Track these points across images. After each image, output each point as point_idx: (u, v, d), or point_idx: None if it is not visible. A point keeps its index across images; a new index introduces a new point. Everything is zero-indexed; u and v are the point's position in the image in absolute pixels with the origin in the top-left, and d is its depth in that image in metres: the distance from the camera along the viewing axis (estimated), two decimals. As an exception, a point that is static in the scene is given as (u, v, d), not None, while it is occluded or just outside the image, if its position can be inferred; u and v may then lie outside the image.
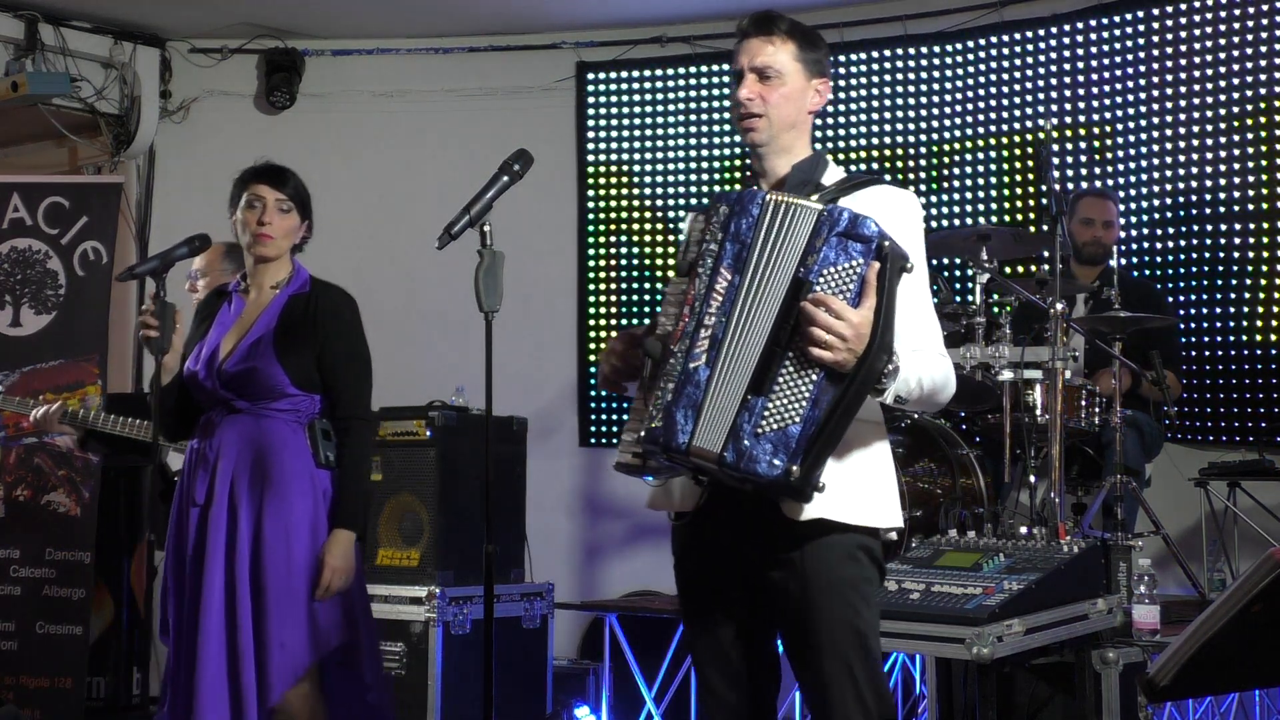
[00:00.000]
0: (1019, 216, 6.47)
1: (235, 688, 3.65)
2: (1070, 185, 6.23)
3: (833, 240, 2.48)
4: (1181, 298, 6.04)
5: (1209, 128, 6.00)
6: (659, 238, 7.21)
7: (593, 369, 7.21)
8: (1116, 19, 6.27)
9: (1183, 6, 6.07)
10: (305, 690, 3.72)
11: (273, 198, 3.83)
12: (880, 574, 2.73)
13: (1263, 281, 5.86)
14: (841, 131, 6.90)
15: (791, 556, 2.64)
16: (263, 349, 3.77)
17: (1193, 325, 6.01)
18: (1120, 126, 6.24)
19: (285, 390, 3.77)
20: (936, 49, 6.70)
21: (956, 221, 6.56)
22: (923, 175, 6.71)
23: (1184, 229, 6.07)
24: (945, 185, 6.66)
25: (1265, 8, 5.86)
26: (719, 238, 2.58)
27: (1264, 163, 5.87)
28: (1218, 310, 5.97)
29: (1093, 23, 6.33)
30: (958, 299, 5.59)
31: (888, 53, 6.82)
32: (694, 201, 7.12)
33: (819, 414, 2.45)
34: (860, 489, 2.64)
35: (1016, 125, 6.50)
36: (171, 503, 3.93)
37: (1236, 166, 5.93)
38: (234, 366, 3.76)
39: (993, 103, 6.57)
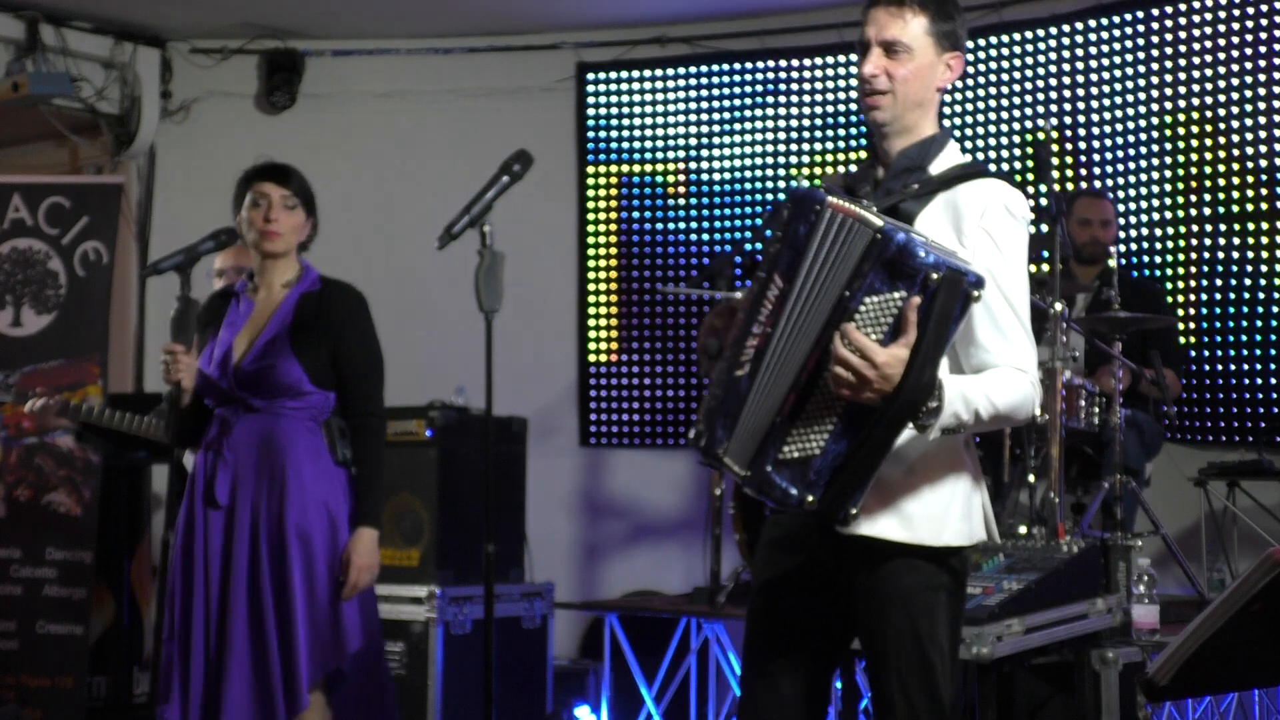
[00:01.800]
0: (1030, 221, 6.46)
1: (264, 691, 3.64)
2: (1069, 185, 6.24)
3: (879, 268, 2.32)
4: (1181, 298, 6.04)
5: (1209, 127, 6.00)
6: (659, 238, 7.20)
7: (593, 369, 7.22)
8: (1116, 19, 6.27)
9: (1182, 6, 6.08)
10: (317, 692, 3.73)
11: (278, 194, 3.83)
12: (955, 583, 2.58)
13: (1262, 281, 5.86)
14: (842, 131, 6.90)
15: (859, 565, 2.56)
16: (279, 347, 3.76)
17: (1193, 325, 6.01)
18: (1120, 126, 6.24)
19: (302, 388, 3.77)
20: (936, 49, 6.69)
21: (956, 221, 6.55)
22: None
23: (1184, 229, 6.07)
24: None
25: (1265, 8, 5.86)
26: (780, 241, 2.43)
27: (1264, 163, 5.87)
28: (1218, 310, 5.97)
29: (1092, 23, 6.34)
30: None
31: (888, 53, 6.81)
32: (694, 201, 7.13)
33: (841, 448, 2.37)
34: (920, 506, 2.53)
35: (1016, 125, 6.51)
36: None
37: (1236, 167, 5.93)
38: (250, 365, 3.75)
39: (993, 103, 6.57)
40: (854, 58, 7.06)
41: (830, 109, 6.88)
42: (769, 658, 2.64)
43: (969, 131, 6.60)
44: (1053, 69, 6.42)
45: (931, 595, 2.55)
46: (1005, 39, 6.54)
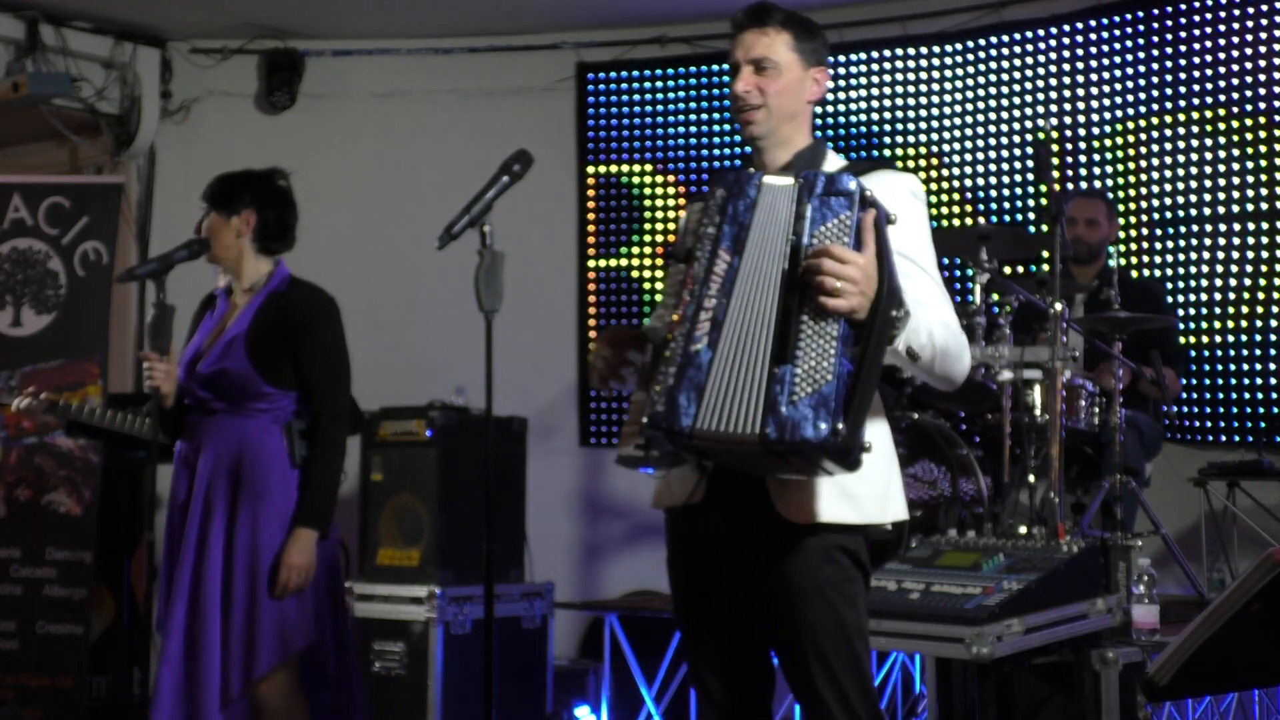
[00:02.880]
0: (1019, 216, 6.48)
1: (193, 684, 3.72)
2: (1070, 185, 6.24)
3: (815, 202, 2.49)
4: (1181, 298, 6.04)
5: (1208, 128, 6.00)
6: (659, 238, 7.21)
7: (593, 369, 7.22)
8: (1116, 19, 6.27)
9: (1182, 6, 6.08)
10: (282, 685, 3.76)
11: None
12: (864, 574, 2.69)
13: (1262, 281, 5.86)
14: (842, 132, 6.90)
15: (773, 558, 2.62)
16: (234, 349, 3.83)
17: (1193, 325, 6.01)
18: (1120, 126, 6.24)
19: (260, 390, 3.83)
20: (936, 49, 6.70)
21: (956, 221, 6.56)
22: (922, 175, 6.70)
23: (1184, 229, 6.07)
24: (945, 185, 6.66)
25: (1265, 8, 5.86)
26: (716, 221, 2.54)
27: (1264, 163, 5.87)
28: (1217, 310, 5.97)
29: (1092, 23, 6.34)
30: (958, 299, 5.59)
31: (888, 53, 6.82)
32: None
33: (849, 367, 2.42)
34: (863, 485, 2.60)
35: (1016, 125, 6.51)
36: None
37: (1236, 166, 5.93)
38: (207, 368, 3.84)
39: (993, 103, 6.57)
40: (853, 58, 7.02)
41: (830, 109, 6.87)
42: (702, 651, 2.77)
43: (969, 131, 6.61)
44: (1053, 69, 6.42)
45: (851, 586, 2.64)
46: (1005, 39, 6.54)
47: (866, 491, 2.62)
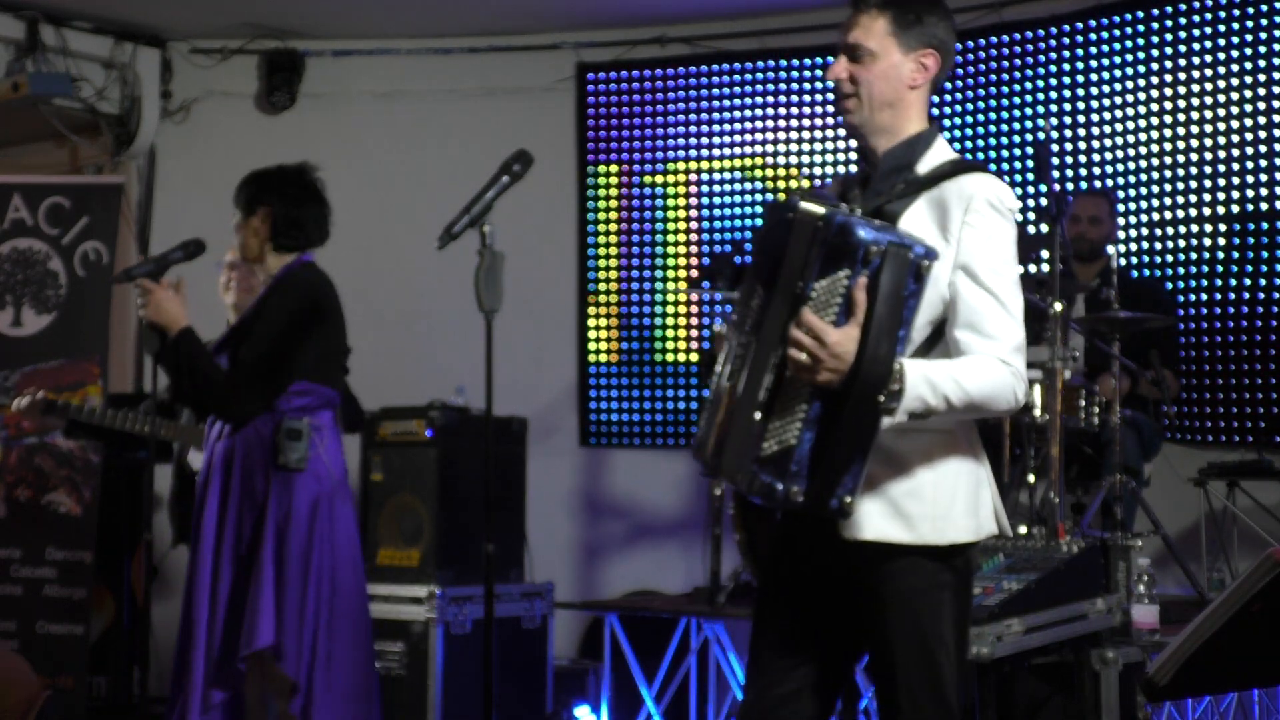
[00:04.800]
0: (1019, 216, 6.46)
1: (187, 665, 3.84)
2: (1070, 185, 6.24)
3: (822, 252, 2.39)
4: (1181, 298, 6.03)
5: (1208, 128, 6.00)
6: (659, 238, 7.21)
7: (593, 369, 7.22)
8: (1116, 19, 6.27)
9: (1182, 6, 6.07)
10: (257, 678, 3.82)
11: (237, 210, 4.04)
12: (958, 581, 2.58)
13: (1263, 281, 5.86)
14: (842, 131, 6.90)
15: (856, 566, 2.56)
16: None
17: (1193, 325, 6.01)
18: (1120, 127, 6.24)
19: None
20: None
21: (956, 221, 6.55)
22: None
23: (1184, 229, 6.07)
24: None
25: (1265, 8, 5.86)
26: (760, 250, 2.52)
27: (1263, 162, 5.87)
28: (1217, 310, 5.97)
29: (1092, 23, 6.33)
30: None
31: (888, 53, 6.81)
32: (694, 201, 7.13)
33: (816, 434, 2.39)
34: (917, 505, 2.53)
35: (1016, 125, 6.51)
36: (192, 501, 4.10)
37: (1236, 166, 5.93)
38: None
39: (993, 103, 6.57)
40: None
41: (830, 109, 6.87)
42: (772, 657, 2.64)
43: (969, 131, 6.61)
44: (1053, 69, 6.42)
45: (936, 594, 2.55)
46: (1005, 39, 6.53)
47: (920, 511, 2.53)
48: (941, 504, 2.54)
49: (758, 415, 2.42)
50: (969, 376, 2.47)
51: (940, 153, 2.64)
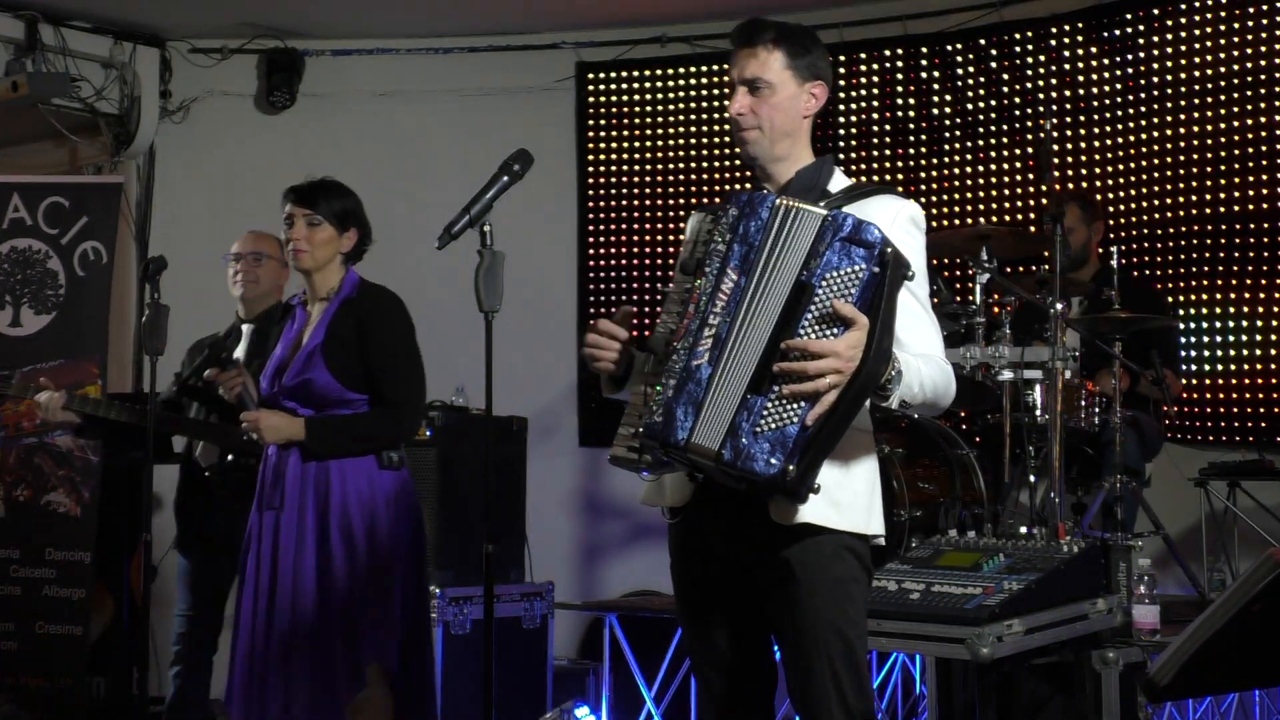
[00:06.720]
0: (1019, 216, 6.47)
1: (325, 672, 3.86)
2: (1070, 185, 6.24)
3: (836, 245, 2.50)
4: (1181, 298, 6.03)
5: (1209, 128, 6.00)
6: (659, 238, 7.21)
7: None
8: (1116, 19, 6.27)
9: (1183, 6, 6.07)
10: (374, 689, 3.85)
11: (301, 214, 4.01)
12: (868, 576, 2.74)
13: (1263, 282, 5.86)
14: (842, 132, 6.90)
15: (781, 555, 2.65)
16: (314, 360, 3.94)
17: (1193, 325, 6.01)
18: (1120, 127, 6.24)
19: (342, 396, 3.94)
20: (936, 49, 6.70)
21: (956, 221, 6.56)
22: (923, 175, 6.71)
23: (1184, 229, 6.07)
24: (945, 185, 6.66)
25: (1265, 8, 5.86)
26: (727, 239, 2.58)
27: (1264, 163, 5.87)
28: (1218, 310, 5.97)
29: (1093, 23, 6.33)
30: (957, 299, 5.59)
31: (888, 53, 6.82)
32: (694, 201, 7.12)
33: (806, 417, 2.47)
34: (848, 495, 2.66)
35: (1016, 125, 6.50)
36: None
37: (1236, 167, 5.93)
38: (291, 380, 3.94)
39: (993, 103, 6.57)
40: (853, 58, 7.02)
41: (830, 109, 6.87)
42: (705, 649, 2.80)
43: (969, 131, 6.60)
44: (1053, 69, 6.42)
45: (854, 586, 2.68)
46: (1005, 39, 6.53)
47: (851, 500, 2.67)
48: (863, 495, 2.70)
49: (749, 394, 2.50)
50: (933, 373, 2.67)
51: (840, 178, 2.81)
